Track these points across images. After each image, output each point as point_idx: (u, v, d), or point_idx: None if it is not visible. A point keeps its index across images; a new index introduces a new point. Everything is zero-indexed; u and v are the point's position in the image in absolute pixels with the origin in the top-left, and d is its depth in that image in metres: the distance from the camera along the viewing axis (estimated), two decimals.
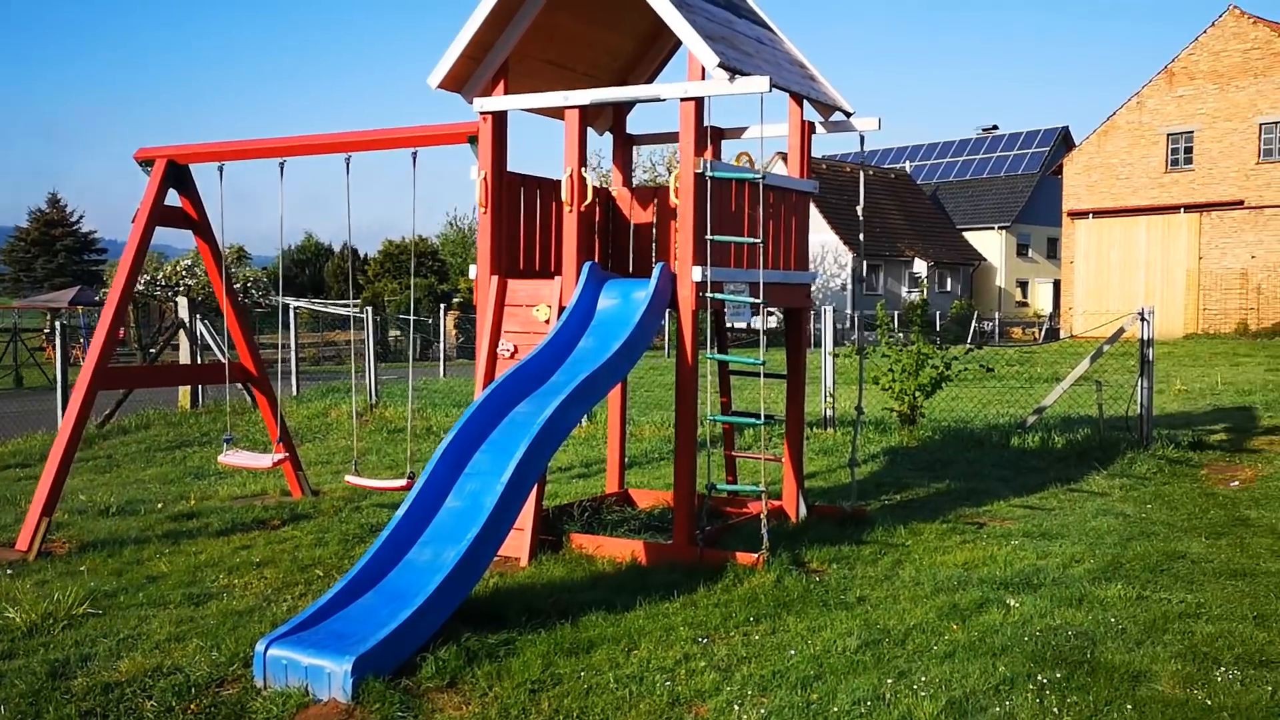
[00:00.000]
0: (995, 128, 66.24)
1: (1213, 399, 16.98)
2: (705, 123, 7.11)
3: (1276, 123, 38.98)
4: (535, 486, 6.89)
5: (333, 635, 5.04)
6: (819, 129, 8.29)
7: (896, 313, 42.38)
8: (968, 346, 13.38)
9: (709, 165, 6.91)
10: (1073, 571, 6.76)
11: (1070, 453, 11.10)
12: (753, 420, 7.23)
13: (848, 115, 8.25)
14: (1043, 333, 47.78)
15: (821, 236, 49.17)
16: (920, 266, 54.22)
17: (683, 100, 6.93)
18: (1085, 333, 34.52)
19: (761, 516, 6.87)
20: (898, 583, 6.55)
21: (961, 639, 5.46)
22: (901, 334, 12.39)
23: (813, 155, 8.21)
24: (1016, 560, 7.04)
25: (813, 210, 49.51)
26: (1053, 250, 58.14)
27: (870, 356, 12.74)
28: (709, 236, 6.91)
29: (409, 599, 5.20)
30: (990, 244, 59.64)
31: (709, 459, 7.51)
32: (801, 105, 8.04)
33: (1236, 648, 5.33)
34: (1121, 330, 12.06)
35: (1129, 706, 4.59)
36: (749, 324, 7.36)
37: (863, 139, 8.27)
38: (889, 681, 4.86)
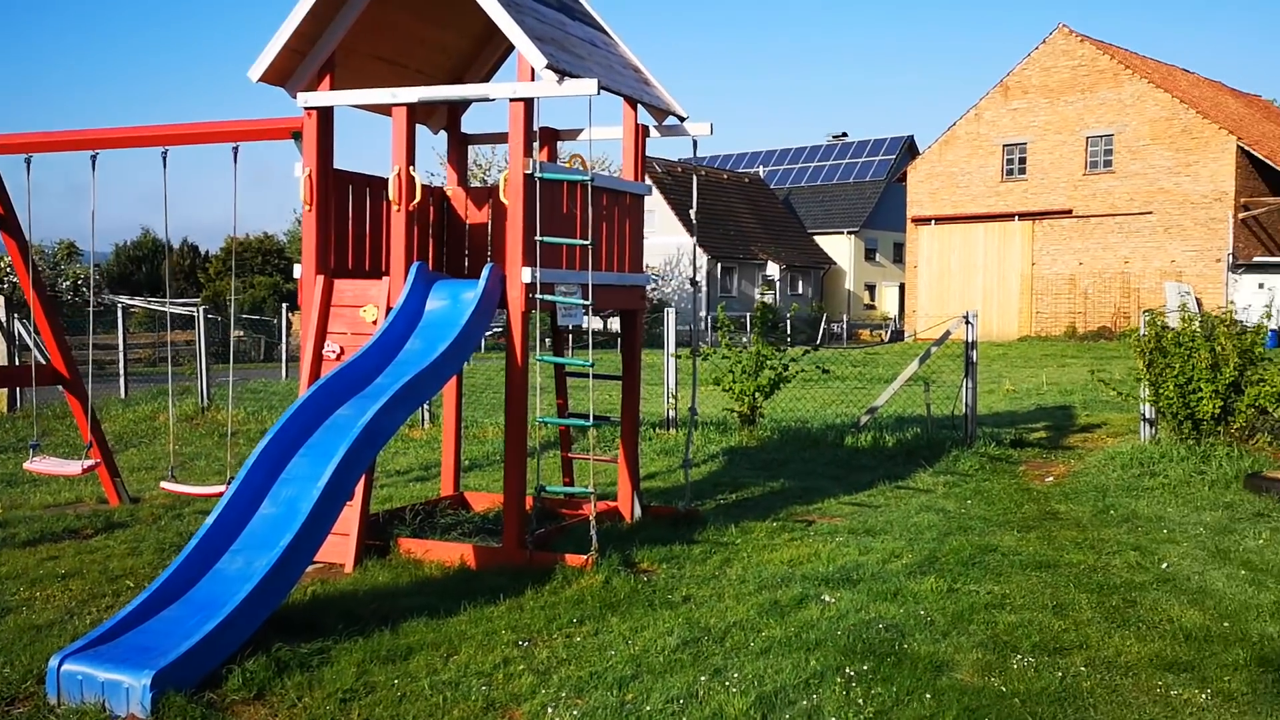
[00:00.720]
0: (845, 135, 68.16)
1: (1038, 399, 17.82)
2: (536, 124, 7.09)
3: (1102, 136, 41.17)
4: (361, 490, 6.76)
5: (133, 648, 4.83)
6: (653, 132, 8.37)
7: (749, 315, 43.15)
8: (805, 348, 13.72)
9: (538, 166, 6.89)
10: (891, 566, 6.99)
11: (900, 451, 11.47)
12: (582, 422, 7.24)
13: (681, 120, 8.35)
14: (889, 334, 49.40)
15: (678, 238, 49.70)
16: (773, 269, 55.34)
17: (512, 101, 6.90)
18: (926, 334, 35.80)
19: (590, 518, 6.89)
20: (724, 581, 6.65)
21: (779, 635, 5.58)
22: (755, 335, 12.55)
23: (673, 160, 8.25)
24: (840, 556, 7.23)
25: (669, 213, 50.20)
26: (899, 255, 60.05)
27: (711, 358, 12.94)
28: (538, 238, 6.89)
29: (216, 609, 5.03)
30: (840, 248, 61.30)
31: (538, 461, 7.49)
32: (635, 109, 8.10)
33: (1034, 636, 5.59)
34: (948, 333, 12.52)
35: (928, 696, 4.76)
36: (590, 325, 7.33)
37: (695, 143, 8.38)
38: (703, 679, 4.93)
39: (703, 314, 46.17)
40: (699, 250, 50.95)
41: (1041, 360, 29.90)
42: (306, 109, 7.20)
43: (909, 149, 62.62)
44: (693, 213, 8.22)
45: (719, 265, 52.35)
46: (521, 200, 6.86)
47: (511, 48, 8.57)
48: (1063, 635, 5.63)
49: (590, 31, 8.03)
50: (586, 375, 7.02)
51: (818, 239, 61.08)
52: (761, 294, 12.96)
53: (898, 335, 48.16)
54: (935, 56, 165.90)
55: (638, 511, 8.28)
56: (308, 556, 5.47)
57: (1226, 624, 5.78)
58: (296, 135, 7.27)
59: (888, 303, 61.96)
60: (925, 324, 42.76)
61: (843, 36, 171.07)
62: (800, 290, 57.73)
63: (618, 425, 8.37)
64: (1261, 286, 36.16)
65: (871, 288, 63.30)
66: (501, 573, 6.66)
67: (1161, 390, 10.73)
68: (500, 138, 8.57)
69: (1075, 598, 6.30)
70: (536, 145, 7.12)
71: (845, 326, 49.66)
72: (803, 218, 62.41)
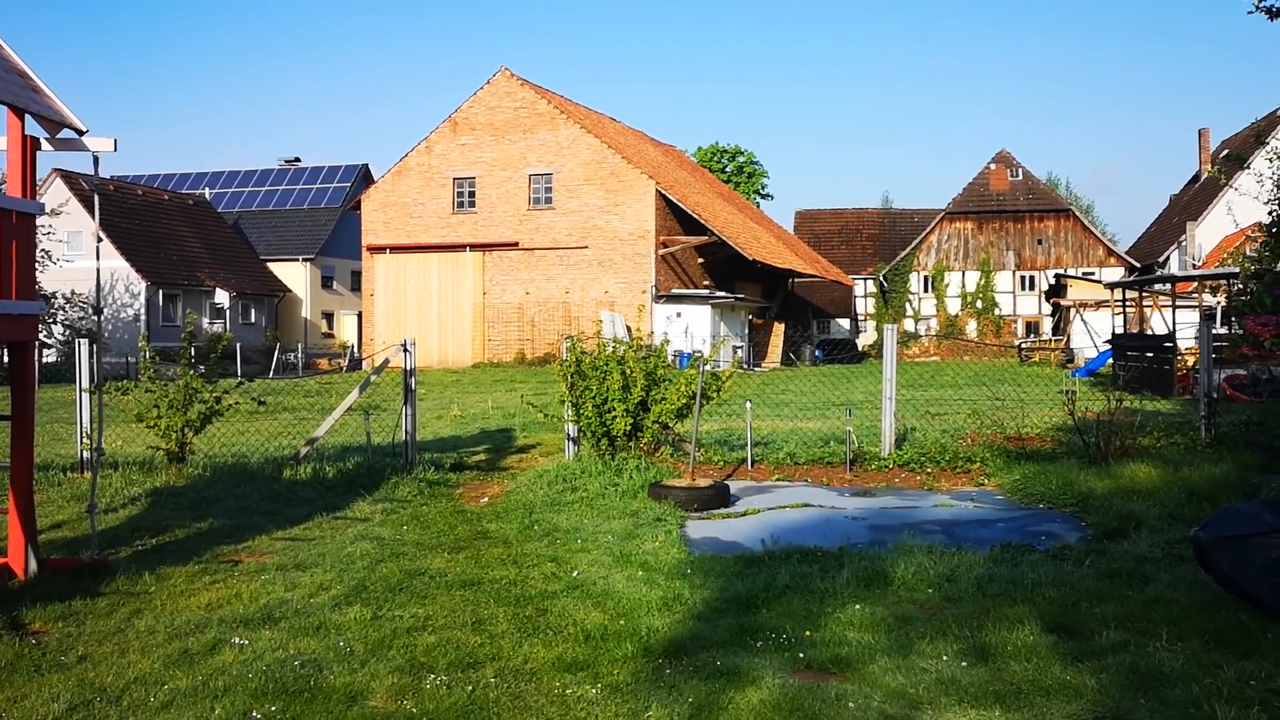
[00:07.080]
0: (298, 160, 66.79)
1: (483, 423, 18.59)
2: None
3: (543, 175, 44.17)
4: None
5: None
6: (46, 145, 7.56)
7: (196, 345, 40.59)
8: (240, 380, 13.15)
9: None
10: (317, 600, 6.84)
11: (340, 481, 11.34)
12: None
13: (80, 133, 7.63)
14: (348, 363, 49.01)
15: (111, 263, 45.66)
16: (223, 296, 52.65)
17: None
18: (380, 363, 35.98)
19: None
20: (130, 634, 6.12)
21: (184, 686, 5.23)
22: (202, 366, 11.77)
23: (105, 178, 7.41)
24: (264, 595, 6.96)
25: (102, 236, 45.91)
26: (357, 283, 59.92)
27: (133, 391, 11.97)
28: None
29: None
30: (295, 275, 59.87)
31: None
32: (23, 118, 7.26)
33: (451, 654, 5.74)
34: (387, 361, 12.67)
35: None
36: None
37: (96, 159, 7.69)
38: None
39: (139, 344, 42.65)
40: (138, 275, 47.16)
41: (492, 385, 31.29)
42: None
43: (364, 177, 62.85)
44: (95, 232, 7.53)
45: (160, 292, 48.77)
46: None
47: None
48: (478, 650, 5.84)
49: None
50: None
51: (271, 266, 59.16)
52: (188, 324, 12.23)
53: (356, 364, 47.97)
54: (387, 87, 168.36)
55: (33, 566, 7.38)
56: None
57: (622, 621, 6.34)
58: None
59: (347, 331, 61.53)
60: (384, 352, 43.01)
61: (289, 59, 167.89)
62: (254, 319, 55.50)
63: (5, 470, 7.42)
64: (679, 315, 40.80)
65: (330, 316, 62.54)
66: None
67: (582, 410, 11.63)
68: None
69: (494, 612, 6.57)
70: None
71: (302, 355, 48.51)
72: (255, 244, 60.13)
